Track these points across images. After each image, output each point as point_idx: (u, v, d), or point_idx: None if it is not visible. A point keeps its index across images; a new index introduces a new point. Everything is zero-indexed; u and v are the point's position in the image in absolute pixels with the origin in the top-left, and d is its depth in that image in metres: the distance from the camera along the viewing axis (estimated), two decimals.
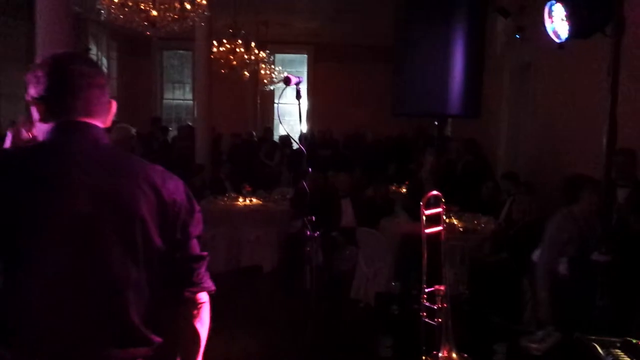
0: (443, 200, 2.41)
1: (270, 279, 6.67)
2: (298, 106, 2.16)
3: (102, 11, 6.29)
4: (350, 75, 14.80)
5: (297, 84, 2.18)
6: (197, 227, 1.62)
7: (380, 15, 11.84)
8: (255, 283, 6.58)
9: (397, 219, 5.80)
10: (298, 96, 2.22)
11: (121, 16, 6.45)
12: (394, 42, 2.87)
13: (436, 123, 2.91)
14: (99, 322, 1.44)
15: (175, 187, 1.58)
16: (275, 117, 16.40)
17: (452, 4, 2.72)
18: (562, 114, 6.66)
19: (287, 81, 2.18)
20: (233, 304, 5.86)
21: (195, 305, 1.62)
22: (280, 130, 15.61)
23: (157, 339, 1.53)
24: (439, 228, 2.38)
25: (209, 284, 1.65)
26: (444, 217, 5.60)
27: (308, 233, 2.43)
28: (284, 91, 2.38)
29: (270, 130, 13.57)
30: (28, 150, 1.58)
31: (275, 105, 16.31)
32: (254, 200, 7.20)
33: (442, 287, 2.35)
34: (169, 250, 1.55)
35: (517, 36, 7.86)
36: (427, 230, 2.33)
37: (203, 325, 1.64)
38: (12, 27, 8.34)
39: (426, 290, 2.39)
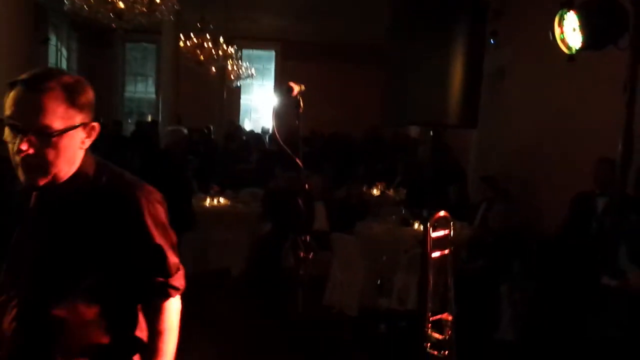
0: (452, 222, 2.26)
1: (239, 282, 6.49)
2: (297, 116, 1.99)
3: (66, 1, 5.97)
4: (318, 73, 14.63)
5: (299, 93, 1.99)
6: None
7: (352, 14, 11.76)
8: (223, 286, 6.38)
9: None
10: (298, 106, 2.03)
11: (86, 7, 6.14)
12: (386, 48, 2.73)
13: (431, 133, 2.78)
14: None
15: None
16: (242, 112, 16.16)
17: (450, 7, 2.59)
18: (541, 122, 6.66)
19: (289, 91, 1.98)
20: (200, 307, 5.66)
21: None
22: (245, 126, 15.42)
23: None
24: (446, 251, 2.24)
25: None
26: (413, 222, 5.56)
27: (302, 254, 2.25)
28: (277, 97, 2.18)
29: (240, 128, 13.31)
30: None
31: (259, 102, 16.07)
32: (222, 200, 6.97)
33: (449, 317, 2.20)
34: None
35: (492, 41, 7.85)
36: (435, 254, 2.18)
37: None
38: None
39: (431, 318, 2.23)
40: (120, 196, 1.59)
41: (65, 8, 6.17)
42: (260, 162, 9.00)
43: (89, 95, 1.57)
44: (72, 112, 1.50)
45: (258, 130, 14.44)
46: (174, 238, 1.69)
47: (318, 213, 6.20)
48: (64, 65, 14.69)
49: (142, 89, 16.83)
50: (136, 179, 1.65)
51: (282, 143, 1.99)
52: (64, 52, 14.67)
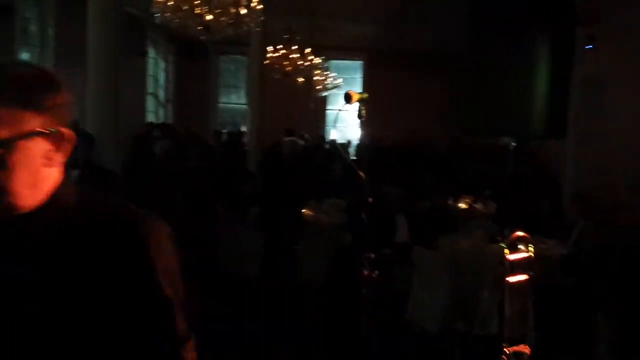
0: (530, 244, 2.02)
1: (319, 294, 6.40)
2: (360, 125, 1.87)
3: (157, 14, 6.22)
4: (406, 82, 14.41)
5: (361, 101, 1.88)
6: None
7: (440, 22, 11.48)
8: (303, 298, 6.32)
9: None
10: (360, 116, 1.91)
11: (175, 20, 6.37)
12: (467, 54, 2.57)
13: (514, 144, 2.55)
14: None
15: None
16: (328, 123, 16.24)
17: (534, 11, 2.39)
18: None
19: (348, 99, 1.87)
20: (280, 321, 5.65)
21: None
22: (331, 136, 15.49)
23: None
24: (525, 277, 2.00)
25: None
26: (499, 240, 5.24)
27: (366, 273, 2.10)
28: (341, 103, 2.06)
29: (323, 138, 13.37)
30: None
31: (330, 111, 16.16)
32: (305, 211, 6.92)
33: (526, 349, 1.96)
34: None
35: (590, 46, 7.32)
36: (512, 279, 1.95)
37: None
38: (69, 28, 8.43)
39: (507, 351, 1.99)
40: (117, 233, 1.14)
41: (157, 21, 6.45)
42: (345, 172, 8.91)
43: (57, 94, 1.13)
44: (24, 114, 1.06)
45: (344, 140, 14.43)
46: (182, 292, 1.22)
47: (399, 225, 6.01)
48: (162, 78, 15.48)
49: (235, 100, 17.36)
50: (139, 210, 1.20)
51: (343, 155, 1.87)
52: (162, 64, 15.45)
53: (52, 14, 9.86)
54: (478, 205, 7.93)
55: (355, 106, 1.93)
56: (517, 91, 2.19)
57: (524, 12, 2.19)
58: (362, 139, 9.21)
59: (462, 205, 7.89)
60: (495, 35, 2.22)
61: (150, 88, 14.72)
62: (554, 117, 2.23)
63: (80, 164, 4.25)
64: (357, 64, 16.15)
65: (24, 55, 9.49)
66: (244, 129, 13.93)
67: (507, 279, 1.91)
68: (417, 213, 6.39)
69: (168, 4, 6.15)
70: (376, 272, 2.10)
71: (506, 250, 1.93)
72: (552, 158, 8.20)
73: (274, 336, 5.16)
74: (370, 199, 2.01)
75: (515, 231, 1.96)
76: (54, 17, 9.86)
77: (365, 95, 1.93)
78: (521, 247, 1.94)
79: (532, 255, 1.98)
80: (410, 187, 7.86)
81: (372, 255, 2.10)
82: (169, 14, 6.12)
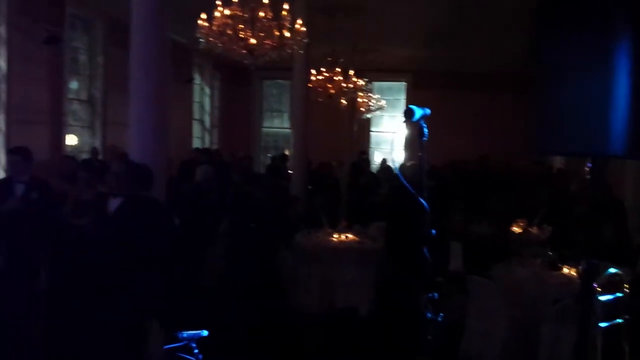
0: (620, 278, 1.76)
1: (366, 322, 6.14)
2: (421, 146, 1.67)
3: (201, 39, 6.20)
4: (450, 103, 14.09)
5: (422, 118, 1.67)
6: None
7: (484, 41, 11.19)
8: (350, 327, 6.07)
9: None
10: (421, 134, 1.71)
11: (219, 44, 6.33)
12: (530, 63, 2.33)
13: (589, 165, 2.29)
14: None
15: None
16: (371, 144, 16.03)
17: (612, 15, 2.14)
18: None
19: (409, 115, 1.66)
20: (325, 348, 5.42)
21: None
22: (375, 158, 15.30)
23: None
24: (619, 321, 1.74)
25: None
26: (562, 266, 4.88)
27: (429, 315, 1.87)
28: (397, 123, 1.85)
29: (367, 160, 13.14)
30: None
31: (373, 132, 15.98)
32: (350, 236, 6.71)
33: None
34: None
35: None
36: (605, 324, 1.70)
37: None
38: (118, 56, 8.59)
39: None
40: None
41: (201, 46, 6.42)
42: (391, 195, 8.66)
43: None
44: None
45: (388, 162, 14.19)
46: None
47: (454, 253, 5.72)
48: (207, 104, 15.67)
49: (278, 124, 17.42)
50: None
51: (404, 181, 1.66)
52: (207, 90, 15.64)
53: (101, 42, 10.07)
54: (534, 230, 7.52)
55: (413, 125, 1.73)
56: (594, 108, 1.96)
57: (600, 15, 1.95)
58: (421, 163, 8.82)
59: (517, 230, 7.51)
60: (567, 42, 1.99)
61: (196, 114, 14.90)
62: (635, 136, 1.98)
63: (122, 194, 4.17)
64: (401, 85, 15.97)
65: (73, 84, 9.71)
66: (287, 152, 13.90)
67: (601, 324, 1.66)
68: (472, 239, 6.07)
69: (212, 29, 6.13)
70: (441, 314, 1.87)
71: (598, 289, 1.68)
72: (610, 177, 7.74)
73: None
74: (433, 232, 1.80)
75: (605, 267, 1.70)
76: (102, 46, 10.08)
77: (428, 111, 1.72)
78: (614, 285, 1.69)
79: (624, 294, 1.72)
80: (466, 212, 7.54)
81: (436, 296, 1.87)
82: (213, 40, 6.08)
